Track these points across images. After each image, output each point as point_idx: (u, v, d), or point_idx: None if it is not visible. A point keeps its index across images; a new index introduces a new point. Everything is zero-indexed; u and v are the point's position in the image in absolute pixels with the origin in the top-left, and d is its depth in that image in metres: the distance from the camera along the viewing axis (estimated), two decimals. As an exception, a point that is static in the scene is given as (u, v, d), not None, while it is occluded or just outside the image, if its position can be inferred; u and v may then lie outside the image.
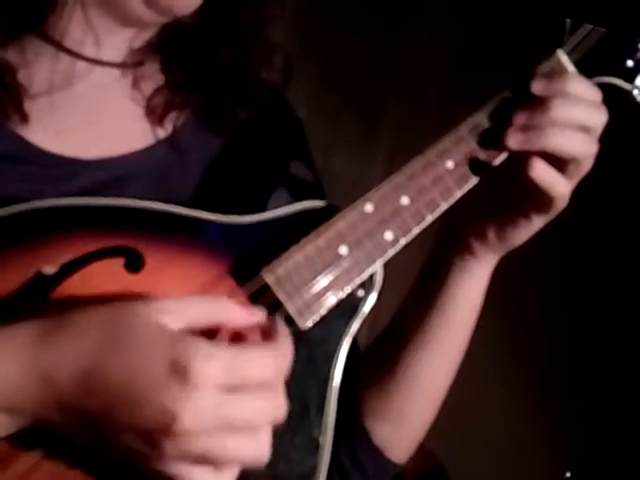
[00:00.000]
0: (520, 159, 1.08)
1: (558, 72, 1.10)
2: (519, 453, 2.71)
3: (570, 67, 1.11)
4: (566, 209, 1.12)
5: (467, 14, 2.92)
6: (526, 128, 1.07)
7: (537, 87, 1.08)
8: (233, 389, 0.87)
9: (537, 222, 1.12)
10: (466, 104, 1.12)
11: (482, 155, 1.10)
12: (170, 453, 0.86)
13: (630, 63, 1.12)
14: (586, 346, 2.67)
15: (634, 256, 2.59)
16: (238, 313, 0.93)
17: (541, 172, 1.07)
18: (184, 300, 0.92)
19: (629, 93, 1.14)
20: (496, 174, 1.10)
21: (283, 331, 0.93)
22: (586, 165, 1.10)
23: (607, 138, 1.09)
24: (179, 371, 0.85)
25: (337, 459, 1.18)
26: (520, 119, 1.08)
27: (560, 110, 1.06)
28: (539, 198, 1.09)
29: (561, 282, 2.71)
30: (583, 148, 1.08)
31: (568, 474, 2.24)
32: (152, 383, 0.85)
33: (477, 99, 1.11)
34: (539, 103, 1.07)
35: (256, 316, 0.95)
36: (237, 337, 0.93)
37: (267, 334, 0.93)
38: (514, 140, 1.08)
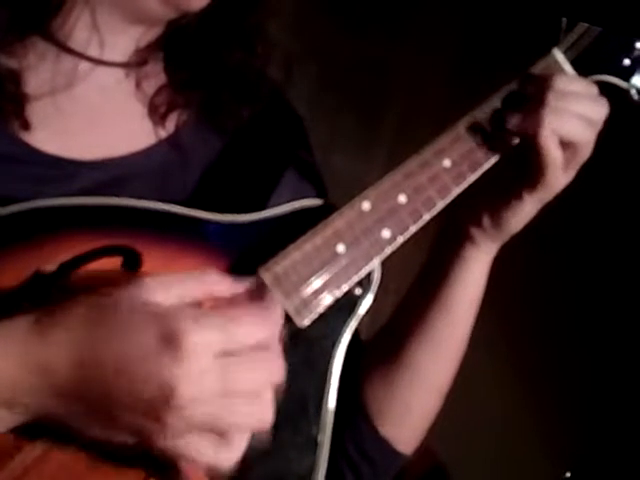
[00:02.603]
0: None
1: (553, 70, 1.10)
2: (519, 453, 2.71)
3: (566, 66, 1.11)
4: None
5: (466, 14, 2.92)
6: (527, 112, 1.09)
7: (532, 85, 1.09)
8: (229, 354, 0.87)
9: (530, 203, 1.13)
10: (466, 104, 1.12)
11: (479, 153, 1.10)
12: (173, 426, 0.86)
13: (627, 62, 1.13)
14: (586, 346, 2.67)
15: (633, 255, 2.59)
16: (224, 283, 0.93)
17: (549, 137, 1.08)
18: (170, 276, 0.92)
19: (626, 92, 1.14)
20: None
21: (270, 295, 0.94)
22: (583, 154, 1.11)
23: (604, 136, 1.10)
24: (171, 342, 0.85)
25: (345, 452, 1.19)
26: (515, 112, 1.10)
27: (557, 103, 1.08)
28: (533, 170, 1.10)
29: (561, 281, 2.71)
30: (583, 135, 1.09)
31: (568, 474, 2.24)
32: (146, 358, 0.85)
33: (477, 99, 1.12)
34: (536, 99, 1.08)
35: (242, 284, 0.95)
36: (227, 307, 0.92)
37: (256, 301, 0.93)
38: (514, 121, 1.09)
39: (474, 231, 1.16)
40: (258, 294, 0.94)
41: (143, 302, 0.88)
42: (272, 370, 0.90)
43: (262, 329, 0.89)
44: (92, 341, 0.87)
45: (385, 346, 1.22)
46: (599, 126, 1.10)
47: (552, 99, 1.08)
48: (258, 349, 0.89)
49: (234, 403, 0.87)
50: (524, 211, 1.14)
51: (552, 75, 1.09)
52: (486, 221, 1.15)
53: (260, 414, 0.89)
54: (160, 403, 0.85)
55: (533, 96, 1.09)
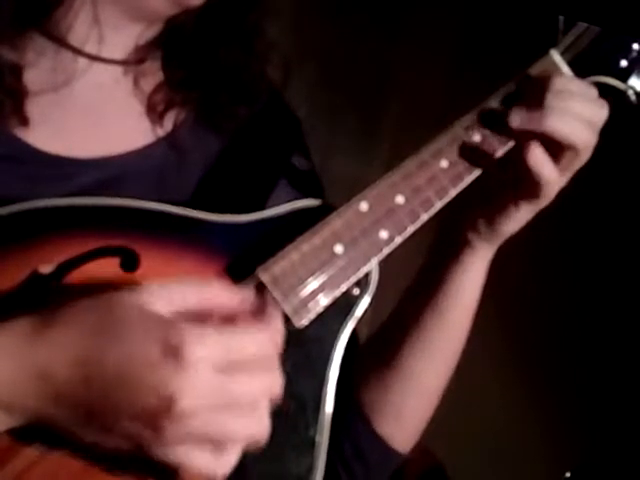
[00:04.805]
0: (517, 146, 1.09)
1: (551, 72, 1.10)
2: (519, 453, 2.71)
3: (564, 67, 1.11)
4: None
5: (465, 14, 2.92)
6: (529, 111, 1.08)
7: (531, 86, 1.08)
8: (228, 367, 0.87)
9: (525, 211, 1.13)
10: (465, 104, 1.12)
11: (476, 154, 1.10)
12: (170, 435, 0.86)
13: (624, 63, 1.12)
14: (586, 346, 2.67)
15: (633, 255, 2.59)
16: (226, 294, 0.94)
17: (538, 158, 1.08)
18: (172, 285, 0.92)
19: (623, 93, 1.14)
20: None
21: (272, 308, 0.94)
22: (583, 156, 1.10)
23: (602, 138, 1.10)
24: (172, 352, 0.85)
25: (341, 452, 1.19)
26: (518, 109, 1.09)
27: (557, 102, 1.07)
28: (528, 185, 1.10)
29: (561, 282, 2.71)
30: (583, 137, 1.08)
31: (568, 474, 2.24)
32: (147, 367, 0.86)
33: (475, 99, 1.12)
34: (534, 100, 1.08)
35: (244, 295, 0.95)
36: (228, 319, 0.93)
37: (257, 313, 0.93)
38: (516, 119, 1.08)
39: (470, 234, 1.16)
40: (260, 307, 0.94)
41: (146, 309, 0.88)
42: (269, 384, 0.90)
43: (262, 344, 0.90)
44: (93, 344, 0.87)
45: (380, 349, 1.22)
46: (598, 128, 1.10)
47: (551, 100, 1.08)
48: (257, 363, 0.89)
49: (231, 416, 0.88)
50: (521, 217, 1.13)
51: (551, 76, 1.09)
52: (482, 224, 1.15)
53: (256, 427, 0.90)
54: (159, 412, 0.85)
55: (531, 97, 1.09)
